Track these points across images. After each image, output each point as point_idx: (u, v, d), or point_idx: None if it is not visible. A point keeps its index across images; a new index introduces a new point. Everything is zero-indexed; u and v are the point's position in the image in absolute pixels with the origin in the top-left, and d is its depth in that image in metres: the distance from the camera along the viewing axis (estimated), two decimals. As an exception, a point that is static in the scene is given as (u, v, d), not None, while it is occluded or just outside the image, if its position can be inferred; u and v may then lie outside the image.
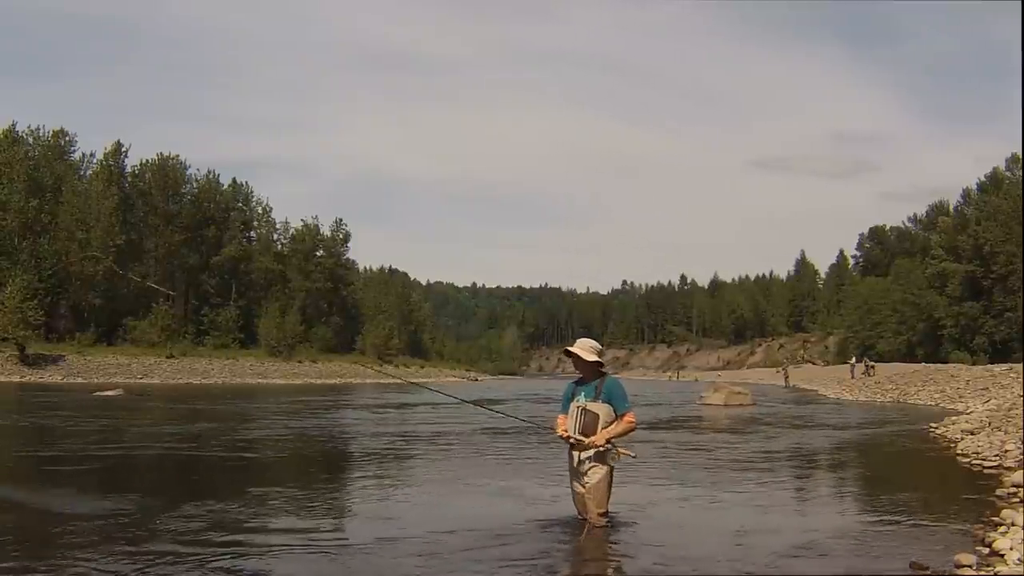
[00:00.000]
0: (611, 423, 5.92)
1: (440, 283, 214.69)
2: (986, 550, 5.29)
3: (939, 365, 44.00)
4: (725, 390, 26.92)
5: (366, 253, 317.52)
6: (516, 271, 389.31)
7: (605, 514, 5.95)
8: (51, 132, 59.73)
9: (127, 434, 14.21)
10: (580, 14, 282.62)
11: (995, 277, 61.28)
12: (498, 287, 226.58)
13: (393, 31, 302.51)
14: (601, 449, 5.87)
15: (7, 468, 10.01)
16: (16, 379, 39.15)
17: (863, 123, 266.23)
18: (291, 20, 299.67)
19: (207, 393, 32.52)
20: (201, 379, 47.04)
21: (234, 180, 73.31)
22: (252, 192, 74.70)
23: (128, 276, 58.87)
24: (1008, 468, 8.87)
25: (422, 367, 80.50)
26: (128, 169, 64.88)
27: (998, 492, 7.56)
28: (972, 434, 12.71)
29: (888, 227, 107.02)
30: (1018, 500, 7.00)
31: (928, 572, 4.89)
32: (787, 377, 54.32)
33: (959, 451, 11.16)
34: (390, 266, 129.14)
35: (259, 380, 49.84)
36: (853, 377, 45.31)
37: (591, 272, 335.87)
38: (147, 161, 65.70)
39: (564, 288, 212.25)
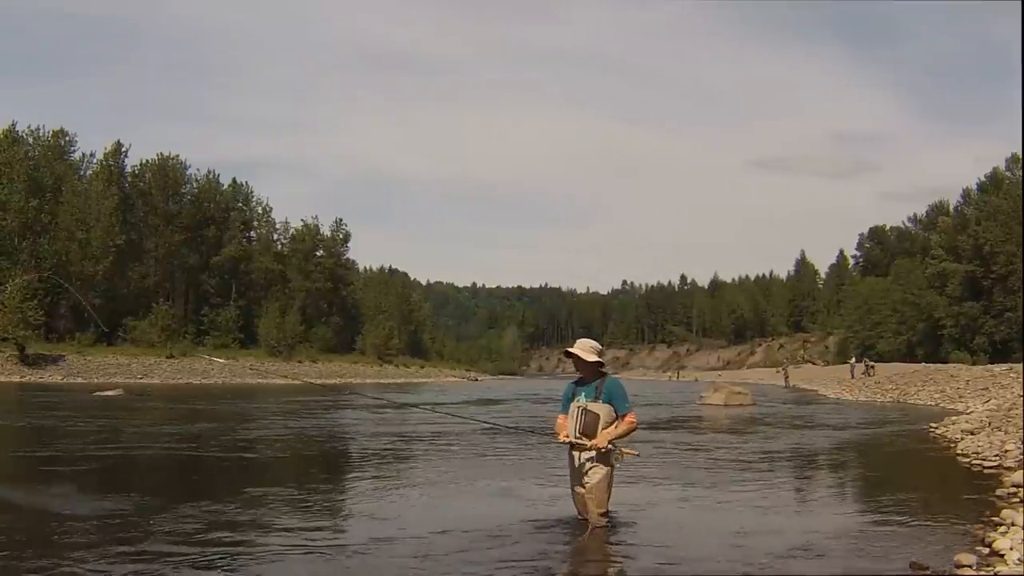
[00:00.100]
0: (611, 423, 5.92)
1: (440, 283, 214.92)
2: (986, 550, 5.29)
3: (939, 365, 44.00)
4: (725, 390, 26.92)
5: (366, 253, 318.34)
6: (516, 271, 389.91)
7: (605, 514, 5.94)
8: (51, 132, 59.82)
9: (127, 434, 14.20)
10: (580, 14, 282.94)
11: (995, 277, 61.27)
12: (498, 287, 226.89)
13: (393, 31, 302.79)
14: (603, 450, 5.87)
15: (6, 468, 10.00)
16: (16, 379, 39.14)
17: (863, 123, 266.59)
18: (291, 20, 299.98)
19: (207, 393, 32.51)
20: (201, 379, 47.04)
21: (234, 180, 73.57)
22: (252, 192, 75.00)
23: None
24: (1008, 468, 8.87)
25: (422, 367, 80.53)
26: (128, 169, 65.00)
27: (998, 492, 7.55)
28: (972, 434, 12.70)
29: (888, 227, 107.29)
30: (1018, 500, 6.99)
31: (928, 572, 4.88)
32: (787, 377, 54.32)
33: (959, 451, 11.16)
34: (390, 266, 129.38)
35: (259, 380, 49.83)
36: (853, 377, 45.31)
37: (591, 272, 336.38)
38: (147, 161, 65.92)
39: (564, 288, 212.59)
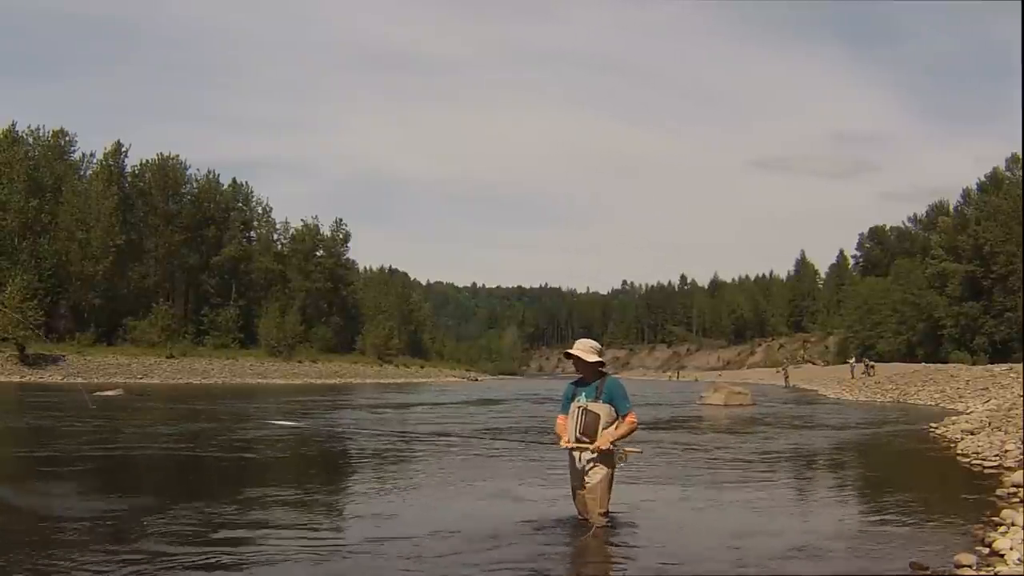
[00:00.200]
0: (612, 423, 5.91)
1: (440, 283, 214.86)
2: (986, 550, 5.28)
3: (939, 365, 44.01)
4: (725, 390, 26.92)
5: (366, 253, 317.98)
6: (516, 271, 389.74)
7: (606, 514, 5.93)
8: (51, 132, 59.93)
9: (126, 435, 14.19)
10: (580, 14, 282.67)
11: (995, 277, 61.27)
12: (498, 287, 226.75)
13: (393, 31, 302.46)
14: (605, 451, 5.87)
15: (4, 469, 9.99)
16: (16, 379, 39.14)
17: (863, 123, 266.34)
18: (291, 20, 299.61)
19: (207, 393, 32.51)
20: (201, 379, 47.05)
21: (234, 180, 73.57)
22: (252, 192, 75.01)
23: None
24: (1008, 468, 8.86)
25: (422, 367, 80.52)
26: (128, 169, 65.01)
27: (998, 492, 7.55)
28: (972, 434, 12.69)
29: (888, 227, 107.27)
30: (1018, 500, 6.99)
31: (928, 572, 4.88)
32: (787, 377, 54.32)
33: (959, 451, 11.15)
34: (390, 266, 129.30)
35: (259, 380, 49.86)
36: (853, 377, 45.31)
37: (591, 272, 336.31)
38: (147, 161, 65.93)
39: (564, 288, 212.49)
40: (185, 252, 65.03)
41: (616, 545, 5.66)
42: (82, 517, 6.40)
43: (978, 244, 62.21)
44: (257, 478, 9.60)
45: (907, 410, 22.64)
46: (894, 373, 38.66)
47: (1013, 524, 5.83)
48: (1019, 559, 4.89)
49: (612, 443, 5.86)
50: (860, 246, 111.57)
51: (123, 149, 64.31)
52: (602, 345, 6.52)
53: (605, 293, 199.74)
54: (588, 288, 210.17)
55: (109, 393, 27.27)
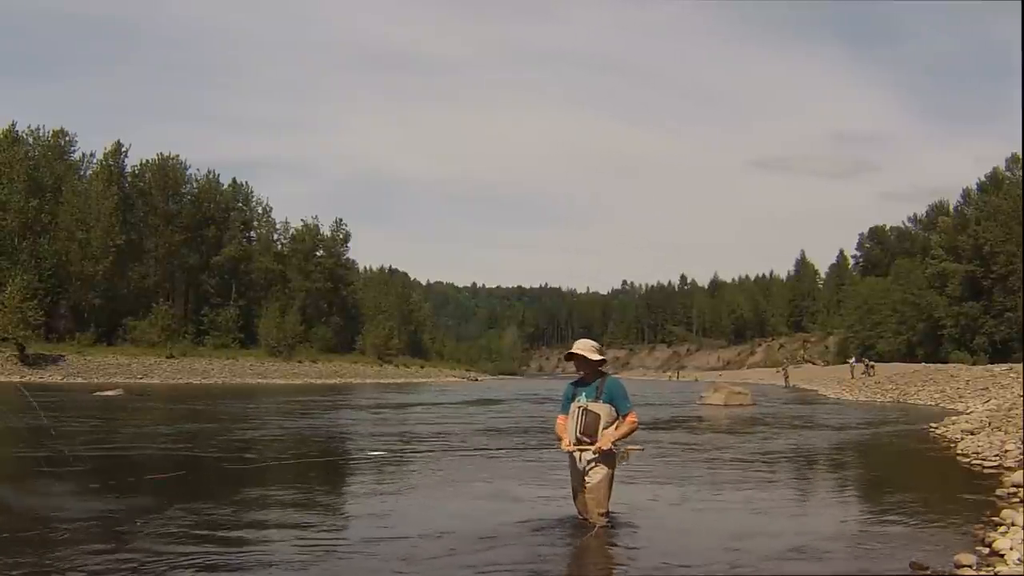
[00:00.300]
0: (612, 423, 5.90)
1: (440, 283, 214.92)
2: (986, 550, 5.27)
3: (939, 365, 44.00)
4: (725, 390, 26.91)
5: (366, 253, 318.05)
6: (516, 271, 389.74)
7: (606, 514, 5.92)
8: (51, 132, 59.93)
9: (125, 435, 14.19)
10: (580, 14, 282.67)
11: (995, 277, 61.27)
12: (498, 287, 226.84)
13: (393, 31, 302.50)
14: (606, 451, 5.86)
15: (3, 469, 9.98)
16: (16, 379, 39.11)
17: (863, 123, 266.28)
18: (291, 20, 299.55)
19: (207, 393, 32.51)
20: (201, 379, 47.05)
21: (234, 180, 73.61)
22: (252, 192, 75.06)
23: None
24: (1008, 468, 8.86)
25: (422, 367, 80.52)
26: (128, 169, 65.03)
27: (998, 492, 7.54)
28: (972, 434, 12.69)
29: (888, 227, 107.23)
30: (1018, 500, 6.98)
31: (928, 572, 4.87)
32: (787, 377, 54.30)
33: (959, 451, 11.15)
34: (390, 266, 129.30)
35: (259, 380, 49.86)
36: (853, 377, 45.30)
37: (591, 272, 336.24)
38: (147, 161, 65.96)
39: (564, 288, 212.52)
40: (185, 252, 65.05)
41: (616, 545, 5.65)
42: (80, 517, 6.39)
43: (978, 244, 62.21)
44: (256, 478, 9.58)
45: (907, 410, 22.63)
46: (894, 373, 38.65)
47: (1013, 524, 5.83)
48: (1019, 559, 4.89)
49: (613, 443, 5.86)
50: (860, 246, 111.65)
51: (123, 149, 64.42)
52: (602, 345, 6.52)
53: (605, 293, 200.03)
54: (588, 288, 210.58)
55: (109, 393, 27.28)
